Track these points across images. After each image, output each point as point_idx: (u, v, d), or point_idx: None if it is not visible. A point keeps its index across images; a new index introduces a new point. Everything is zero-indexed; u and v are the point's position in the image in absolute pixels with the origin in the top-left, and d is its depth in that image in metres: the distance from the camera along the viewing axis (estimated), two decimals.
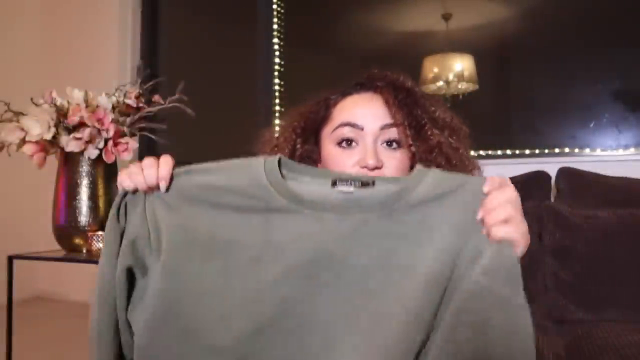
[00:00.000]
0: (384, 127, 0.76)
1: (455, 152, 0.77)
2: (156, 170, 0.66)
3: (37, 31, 3.45)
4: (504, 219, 0.57)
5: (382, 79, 0.81)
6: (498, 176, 0.61)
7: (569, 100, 2.30)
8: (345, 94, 0.82)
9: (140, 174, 0.66)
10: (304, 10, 2.95)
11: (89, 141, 1.81)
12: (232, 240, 0.63)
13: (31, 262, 2.00)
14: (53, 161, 1.92)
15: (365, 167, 0.73)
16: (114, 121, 1.84)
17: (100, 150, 1.84)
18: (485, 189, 0.59)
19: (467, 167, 0.78)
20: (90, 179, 1.89)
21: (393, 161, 0.75)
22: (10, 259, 1.84)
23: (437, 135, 0.76)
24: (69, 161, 1.88)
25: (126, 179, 0.67)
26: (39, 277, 3.35)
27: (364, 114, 0.77)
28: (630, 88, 2.20)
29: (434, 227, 0.60)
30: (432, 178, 0.62)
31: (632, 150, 2.11)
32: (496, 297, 0.55)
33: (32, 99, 1.83)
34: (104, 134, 1.82)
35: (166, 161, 0.68)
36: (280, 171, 0.65)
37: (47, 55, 3.46)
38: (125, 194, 0.68)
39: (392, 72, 0.83)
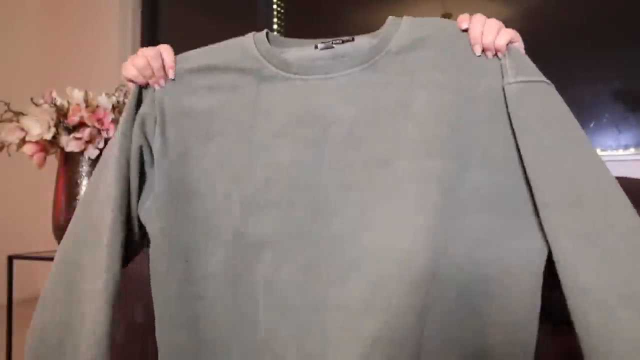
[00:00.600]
0: None
1: None
2: (161, 61, 0.72)
3: (37, 31, 3.45)
4: (498, 28, 0.64)
5: None
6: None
7: (569, 100, 2.29)
8: None
9: (148, 66, 0.70)
10: (304, 10, 2.95)
11: (89, 141, 1.81)
12: (228, 117, 0.66)
13: (31, 262, 2.00)
14: (53, 161, 1.92)
15: None
16: (114, 121, 1.84)
17: (100, 150, 1.84)
18: (464, 25, 0.64)
19: None
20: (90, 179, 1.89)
21: None
22: (10, 259, 1.84)
23: None
24: (69, 161, 1.88)
25: (136, 74, 0.71)
26: (39, 277, 3.35)
27: None
28: (630, 88, 2.20)
29: (417, 70, 0.62)
30: (406, 25, 0.67)
31: (632, 150, 2.11)
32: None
33: (32, 99, 1.83)
34: (104, 134, 1.82)
35: (168, 50, 0.75)
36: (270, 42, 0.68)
37: (47, 55, 3.46)
38: (139, 87, 0.72)
39: None
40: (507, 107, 0.59)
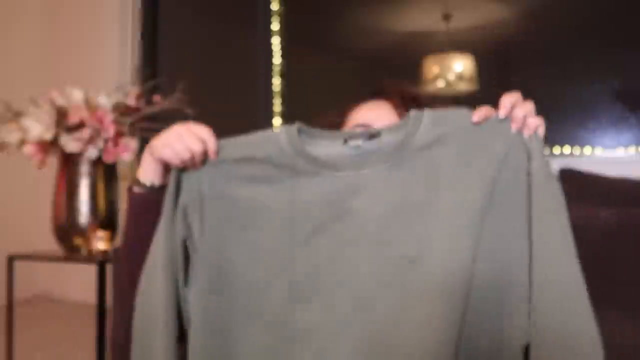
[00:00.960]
0: None
1: None
2: (202, 144, 0.70)
3: (37, 31, 3.45)
4: (527, 111, 0.67)
5: (391, 87, 0.90)
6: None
7: (569, 100, 2.30)
8: (358, 102, 0.92)
9: (187, 150, 0.70)
10: (304, 10, 2.95)
11: (89, 141, 1.81)
12: (266, 208, 0.68)
13: (31, 262, 2.00)
14: (53, 161, 1.92)
15: None
16: (114, 121, 1.84)
17: (100, 150, 1.84)
18: (475, 118, 0.69)
19: None
20: (90, 179, 1.89)
21: None
22: (10, 259, 1.84)
23: None
24: (69, 161, 1.89)
25: (173, 157, 0.71)
26: (39, 277, 3.35)
27: (373, 116, 0.86)
28: (630, 88, 2.20)
29: (441, 166, 0.65)
30: (427, 119, 0.68)
31: (632, 150, 2.11)
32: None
33: (32, 99, 1.83)
34: (104, 134, 1.82)
35: (209, 133, 0.72)
36: (300, 137, 0.70)
37: (47, 55, 3.46)
38: (178, 170, 0.72)
39: (401, 81, 0.93)
40: (530, 190, 0.64)
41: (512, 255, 0.63)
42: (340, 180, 0.67)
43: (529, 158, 0.65)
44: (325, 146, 0.69)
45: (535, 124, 0.67)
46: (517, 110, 0.68)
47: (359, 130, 0.72)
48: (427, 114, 0.69)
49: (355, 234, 0.65)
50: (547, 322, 0.60)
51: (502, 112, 0.69)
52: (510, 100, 0.69)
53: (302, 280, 0.65)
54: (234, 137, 0.74)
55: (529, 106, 0.68)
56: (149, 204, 0.76)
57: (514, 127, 0.67)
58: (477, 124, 0.68)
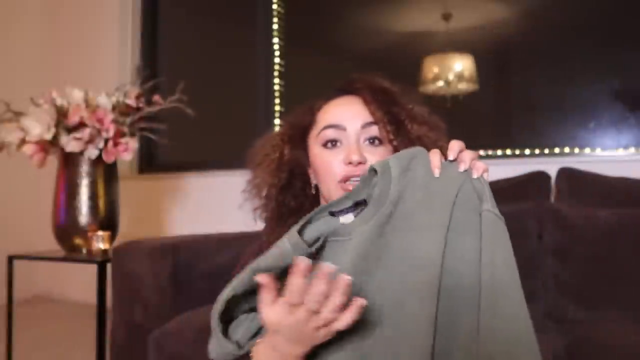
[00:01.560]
0: (365, 126, 0.81)
1: (434, 144, 0.80)
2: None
3: (37, 31, 3.45)
4: (473, 156, 0.72)
5: (361, 82, 0.86)
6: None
7: (569, 100, 2.30)
8: (328, 98, 0.87)
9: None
10: (304, 10, 2.95)
11: (89, 141, 1.81)
12: None
13: (31, 262, 2.01)
14: (53, 161, 1.92)
15: (350, 163, 0.78)
16: (114, 121, 1.84)
17: (100, 150, 1.84)
18: (436, 173, 0.72)
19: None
20: (90, 179, 1.89)
21: (376, 157, 0.79)
22: (10, 259, 1.84)
23: (416, 130, 0.82)
24: (69, 161, 1.89)
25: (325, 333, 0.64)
26: (39, 277, 3.35)
27: (345, 115, 0.82)
28: (630, 88, 2.20)
29: (413, 214, 0.71)
30: (395, 171, 0.72)
31: (632, 150, 2.11)
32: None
33: (32, 99, 1.83)
34: (104, 134, 1.82)
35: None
36: (302, 234, 0.72)
37: (47, 55, 3.46)
38: None
39: (371, 74, 0.88)
40: (480, 226, 0.70)
41: (464, 288, 0.69)
42: (338, 244, 0.71)
43: (480, 199, 0.71)
44: (320, 225, 0.73)
45: (483, 167, 0.72)
46: (464, 154, 0.73)
47: (347, 204, 0.74)
48: (393, 165, 0.72)
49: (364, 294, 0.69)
50: (491, 347, 0.65)
51: (451, 155, 0.73)
52: (458, 144, 0.74)
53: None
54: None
55: (474, 153, 0.74)
56: None
57: (462, 167, 0.71)
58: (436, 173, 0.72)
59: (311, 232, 0.72)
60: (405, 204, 0.71)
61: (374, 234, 0.70)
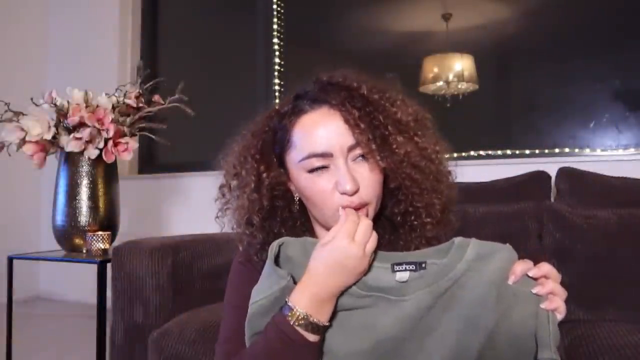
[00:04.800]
0: (351, 148, 0.73)
1: (423, 158, 0.76)
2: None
3: (37, 31, 3.45)
4: (556, 290, 0.67)
5: (334, 89, 0.77)
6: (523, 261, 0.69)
7: (569, 100, 2.30)
8: (298, 111, 0.77)
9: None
10: (304, 10, 2.95)
11: (89, 141, 1.81)
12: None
13: (31, 262, 2.01)
14: (53, 161, 1.92)
15: (345, 193, 0.72)
16: (114, 121, 1.84)
17: (100, 150, 1.84)
18: (511, 280, 0.68)
19: (439, 173, 0.79)
20: (90, 179, 1.89)
21: (367, 176, 0.74)
22: (10, 259, 1.84)
23: (403, 145, 0.75)
24: (69, 161, 1.89)
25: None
26: (39, 277, 3.35)
27: (327, 138, 0.74)
28: (630, 88, 2.20)
29: (464, 301, 0.69)
30: (472, 253, 0.70)
31: (632, 150, 2.11)
32: None
33: (32, 99, 1.83)
34: (104, 134, 1.82)
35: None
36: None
37: (47, 55, 3.46)
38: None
39: (343, 73, 0.80)
40: None
41: None
42: (390, 303, 0.69)
43: (538, 343, 0.68)
44: (376, 270, 0.71)
45: (558, 304, 0.67)
46: (548, 281, 0.68)
47: (407, 261, 0.70)
48: (472, 247, 0.70)
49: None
50: None
51: (534, 272, 0.68)
52: (548, 268, 0.69)
53: None
54: None
55: (560, 289, 0.69)
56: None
57: (536, 289, 0.67)
58: (511, 281, 0.68)
59: (370, 276, 0.70)
60: (463, 290, 0.69)
61: (430, 304, 0.68)
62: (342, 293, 0.69)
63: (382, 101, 0.77)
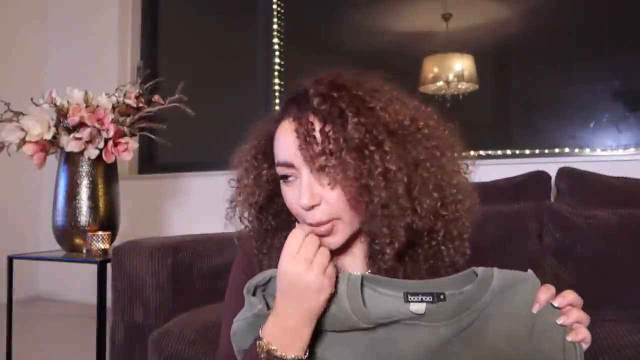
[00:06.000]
0: (309, 161, 0.68)
1: (415, 168, 0.69)
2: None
3: (37, 31, 3.45)
4: (581, 318, 0.67)
5: (302, 98, 0.72)
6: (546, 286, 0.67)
7: (569, 100, 2.30)
8: (279, 117, 0.75)
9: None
10: (304, 10, 2.95)
11: (89, 141, 1.81)
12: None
13: (31, 262, 2.01)
14: (53, 161, 1.92)
15: (302, 207, 0.69)
16: (114, 121, 1.84)
17: (100, 150, 1.84)
18: (535, 309, 0.66)
19: (438, 184, 0.71)
20: (90, 179, 1.89)
21: (331, 192, 0.69)
22: (10, 259, 1.84)
23: (383, 155, 0.66)
24: (69, 161, 1.89)
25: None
26: (39, 277, 3.35)
27: (287, 149, 0.70)
28: (630, 88, 2.20)
29: (487, 336, 0.66)
30: (497, 285, 0.65)
31: (632, 150, 2.11)
32: None
33: (32, 99, 1.83)
34: (104, 134, 1.82)
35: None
36: (362, 282, 0.67)
37: (47, 55, 3.46)
38: None
39: (317, 75, 0.75)
40: None
41: None
42: (400, 331, 0.66)
43: None
44: (384, 295, 0.66)
45: (584, 335, 0.67)
46: (573, 310, 0.67)
47: (423, 292, 0.65)
48: (496, 278, 0.66)
49: None
50: None
51: (558, 301, 0.67)
52: (573, 296, 0.68)
53: None
54: None
55: (585, 316, 0.68)
56: None
57: (561, 319, 0.66)
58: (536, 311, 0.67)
59: (377, 308, 0.66)
60: (487, 323, 0.65)
61: (450, 337, 0.65)
62: (342, 330, 0.66)
63: (364, 95, 0.70)
